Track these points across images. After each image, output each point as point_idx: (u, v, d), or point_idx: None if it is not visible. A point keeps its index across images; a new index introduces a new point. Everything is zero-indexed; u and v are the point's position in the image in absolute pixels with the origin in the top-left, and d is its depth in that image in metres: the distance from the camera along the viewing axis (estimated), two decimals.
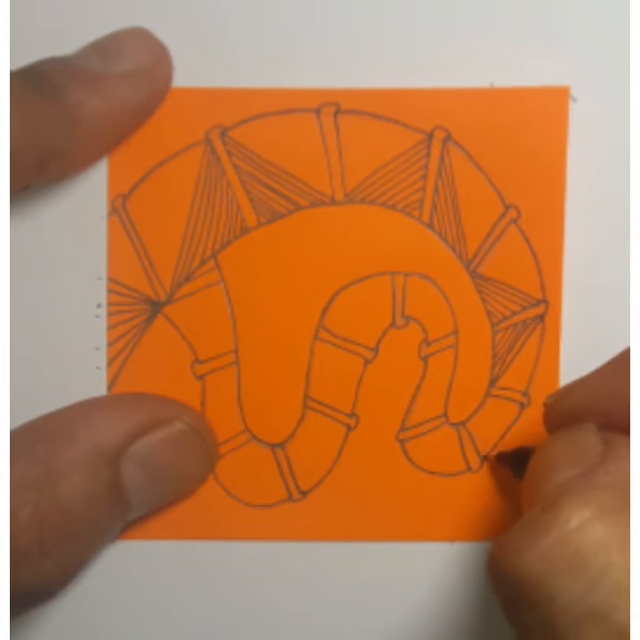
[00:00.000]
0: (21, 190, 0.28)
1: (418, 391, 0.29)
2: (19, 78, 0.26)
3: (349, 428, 0.29)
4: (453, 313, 0.29)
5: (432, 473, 0.29)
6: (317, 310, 0.29)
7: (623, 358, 0.25)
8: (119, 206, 0.28)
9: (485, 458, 0.29)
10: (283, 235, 0.29)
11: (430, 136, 0.28)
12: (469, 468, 0.29)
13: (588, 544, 0.21)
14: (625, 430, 0.24)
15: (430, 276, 0.29)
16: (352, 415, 0.29)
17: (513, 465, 0.28)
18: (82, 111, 0.26)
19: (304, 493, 0.29)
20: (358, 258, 0.29)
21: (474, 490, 0.29)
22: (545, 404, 0.27)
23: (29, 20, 0.28)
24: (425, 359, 0.29)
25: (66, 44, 0.27)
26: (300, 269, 0.29)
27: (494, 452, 0.29)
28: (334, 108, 0.28)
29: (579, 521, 0.21)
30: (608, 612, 0.20)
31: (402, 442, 0.29)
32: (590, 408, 0.25)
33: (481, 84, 0.28)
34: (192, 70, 0.28)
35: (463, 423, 0.29)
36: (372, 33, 0.28)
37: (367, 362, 0.29)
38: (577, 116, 0.28)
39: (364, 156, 0.28)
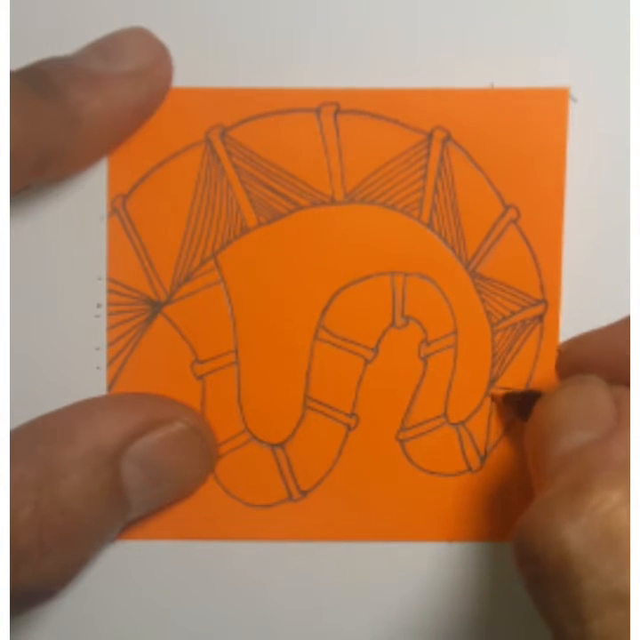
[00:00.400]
0: (21, 190, 0.28)
1: (418, 391, 0.29)
2: (19, 78, 0.26)
3: (349, 428, 0.29)
4: (453, 313, 0.29)
5: (432, 473, 0.29)
6: (317, 310, 0.29)
7: None
8: (119, 206, 0.28)
9: (492, 397, 0.29)
10: (283, 235, 0.29)
11: (430, 136, 0.28)
12: (469, 468, 0.29)
13: (618, 528, 0.21)
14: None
15: (430, 275, 0.29)
16: (352, 415, 0.29)
17: (520, 407, 0.28)
18: (82, 111, 0.26)
19: (304, 493, 0.29)
20: (358, 258, 0.29)
21: (474, 490, 0.29)
22: (559, 351, 0.27)
23: (29, 20, 0.28)
24: (425, 359, 0.29)
25: (66, 44, 0.27)
26: (300, 269, 0.29)
27: (503, 391, 0.29)
28: (334, 107, 0.28)
29: (609, 505, 0.21)
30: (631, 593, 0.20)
31: (402, 442, 0.29)
32: (603, 359, 0.25)
33: (481, 84, 0.28)
34: (192, 70, 0.28)
35: (463, 423, 0.29)
36: (372, 33, 0.28)
37: (367, 362, 0.29)
38: (577, 116, 0.28)
39: (364, 156, 0.28)
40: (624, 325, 0.26)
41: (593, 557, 0.21)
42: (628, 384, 0.24)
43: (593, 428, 0.24)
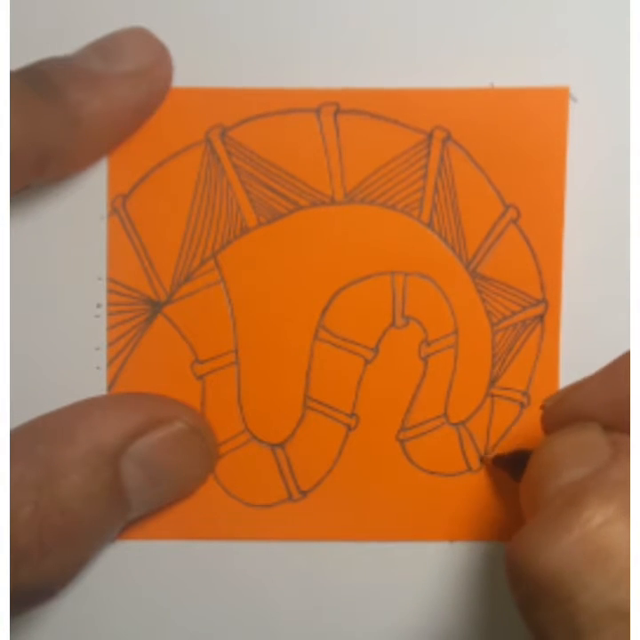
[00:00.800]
0: (21, 190, 0.28)
1: (418, 391, 0.29)
2: (19, 78, 0.26)
3: (349, 428, 0.29)
4: (453, 313, 0.29)
5: (432, 473, 0.29)
6: (317, 310, 0.29)
7: (623, 362, 0.25)
8: (119, 206, 0.28)
9: (482, 459, 0.29)
10: (282, 235, 0.29)
11: (430, 136, 0.28)
12: (469, 468, 0.29)
13: (612, 542, 0.20)
14: (628, 431, 0.24)
15: (430, 275, 0.29)
16: (352, 415, 0.29)
17: (510, 467, 0.28)
18: (82, 111, 0.26)
19: (304, 493, 0.29)
20: (358, 258, 0.29)
21: (474, 490, 0.29)
22: (543, 407, 0.27)
23: (29, 20, 0.28)
24: (425, 359, 0.29)
25: (66, 44, 0.27)
26: (300, 269, 0.29)
27: (492, 454, 0.29)
28: (334, 107, 0.28)
29: (602, 518, 0.21)
30: (628, 607, 0.20)
31: (402, 442, 0.29)
32: (591, 413, 0.25)
33: (481, 84, 0.28)
34: (192, 70, 0.28)
35: (463, 423, 0.29)
36: (371, 33, 0.28)
37: (367, 362, 0.29)
38: (577, 116, 0.28)
39: (364, 156, 0.28)
40: (608, 375, 0.25)
41: (586, 572, 0.20)
42: (620, 430, 0.24)
43: (589, 465, 0.23)
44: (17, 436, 0.26)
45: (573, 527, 0.21)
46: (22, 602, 0.25)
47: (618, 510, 0.21)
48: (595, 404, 0.25)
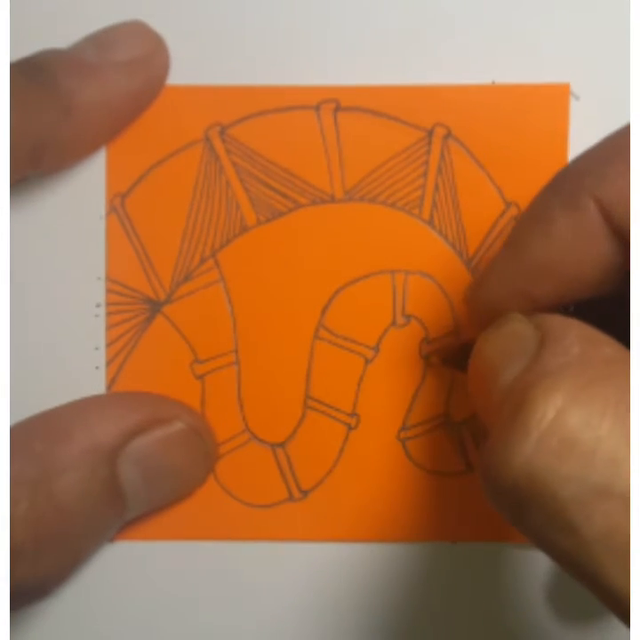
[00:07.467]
0: (19, 182, 0.27)
1: (419, 390, 0.29)
2: (12, 69, 0.26)
3: (350, 428, 0.29)
4: (454, 311, 0.29)
5: (433, 472, 0.29)
6: (317, 309, 0.29)
7: (517, 233, 0.24)
8: (118, 205, 0.28)
9: (430, 364, 0.28)
10: (282, 233, 0.29)
11: (430, 133, 0.28)
12: (470, 468, 0.29)
13: (571, 428, 0.20)
14: (550, 307, 0.24)
15: (431, 274, 0.29)
16: (353, 414, 0.29)
17: (457, 363, 0.28)
18: (76, 99, 0.26)
19: (305, 493, 0.29)
20: (358, 256, 0.29)
21: (474, 490, 0.29)
22: (465, 300, 0.26)
23: (29, 21, 0.28)
24: (426, 358, 0.29)
25: (64, 42, 0.27)
26: (300, 268, 0.29)
27: (435, 355, 0.29)
28: (334, 105, 0.28)
29: (553, 411, 0.20)
30: (610, 484, 0.20)
31: (403, 441, 0.29)
32: (511, 290, 0.25)
33: (482, 80, 0.28)
34: (191, 68, 0.28)
35: (465, 422, 0.29)
36: (371, 30, 0.28)
37: (368, 361, 0.29)
38: (578, 113, 0.28)
39: (364, 154, 0.28)
40: (511, 250, 0.25)
41: (558, 466, 0.20)
42: (543, 308, 0.24)
43: (522, 357, 0.23)
44: (14, 433, 0.26)
45: (531, 431, 0.21)
46: (16, 599, 0.25)
47: (565, 396, 0.20)
48: (510, 281, 0.25)
